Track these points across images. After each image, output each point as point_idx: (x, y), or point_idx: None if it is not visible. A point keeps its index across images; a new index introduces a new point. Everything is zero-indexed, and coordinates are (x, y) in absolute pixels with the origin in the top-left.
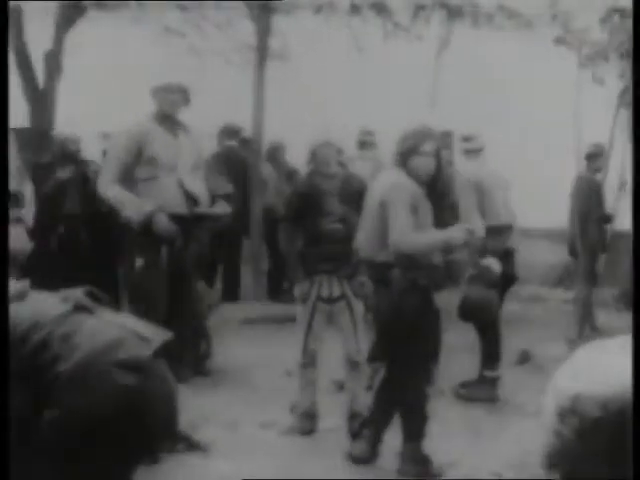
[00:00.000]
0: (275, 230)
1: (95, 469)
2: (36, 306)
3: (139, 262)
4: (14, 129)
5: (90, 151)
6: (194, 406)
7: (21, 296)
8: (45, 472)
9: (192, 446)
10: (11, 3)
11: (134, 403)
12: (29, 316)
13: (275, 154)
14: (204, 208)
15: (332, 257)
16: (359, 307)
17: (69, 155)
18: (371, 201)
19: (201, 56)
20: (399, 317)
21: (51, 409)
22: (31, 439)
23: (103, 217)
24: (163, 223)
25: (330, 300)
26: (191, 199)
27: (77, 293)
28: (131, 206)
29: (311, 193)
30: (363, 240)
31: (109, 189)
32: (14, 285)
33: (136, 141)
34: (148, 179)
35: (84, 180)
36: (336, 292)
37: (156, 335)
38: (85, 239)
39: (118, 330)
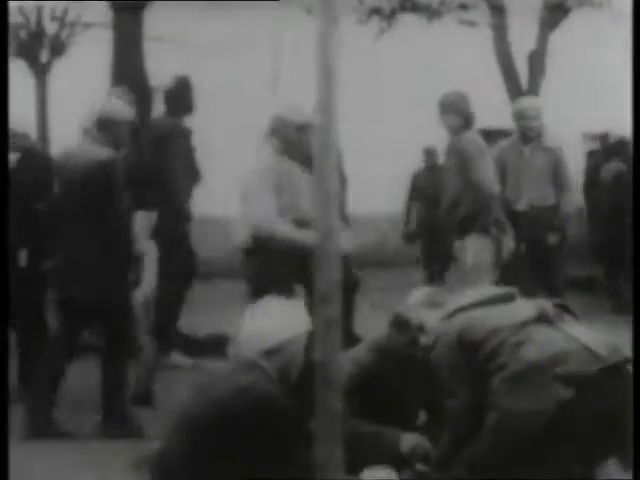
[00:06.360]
0: None
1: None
2: (498, 312)
3: None
4: (495, 130)
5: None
6: None
7: (508, 298)
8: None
9: None
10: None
11: (570, 415)
12: (490, 322)
13: None
14: None
15: None
16: None
17: None
18: None
19: None
20: None
21: (491, 411)
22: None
23: None
24: None
25: None
26: None
27: (546, 303)
28: None
29: None
30: None
31: None
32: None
33: None
34: None
35: None
36: None
37: (611, 353)
38: None
39: (568, 343)
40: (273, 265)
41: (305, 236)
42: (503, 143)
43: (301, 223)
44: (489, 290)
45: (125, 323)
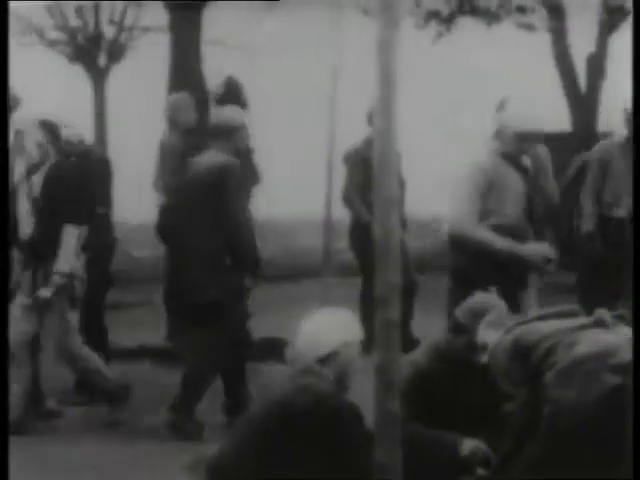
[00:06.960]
0: None
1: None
2: (555, 322)
3: None
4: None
5: None
6: None
7: (570, 314)
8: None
9: None
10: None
11: (618, 402)
12: (546, 327)
13: None
14: None
15: None
16: None
17: None
18: None
19: None
20: None
21: (545, 406)
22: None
23: None
24: None
25: None
26: None
27: (604, 313)
28: None
29: None
30: None
31: None
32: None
33: None
34: None
35: None
36: None
37: None
38: None
39: (618, 338)
40: (470, 265)
41: (498, 242)
42: (607, 143)
43: (501, 228)
44: (552, 309)
45: (236, 325)
